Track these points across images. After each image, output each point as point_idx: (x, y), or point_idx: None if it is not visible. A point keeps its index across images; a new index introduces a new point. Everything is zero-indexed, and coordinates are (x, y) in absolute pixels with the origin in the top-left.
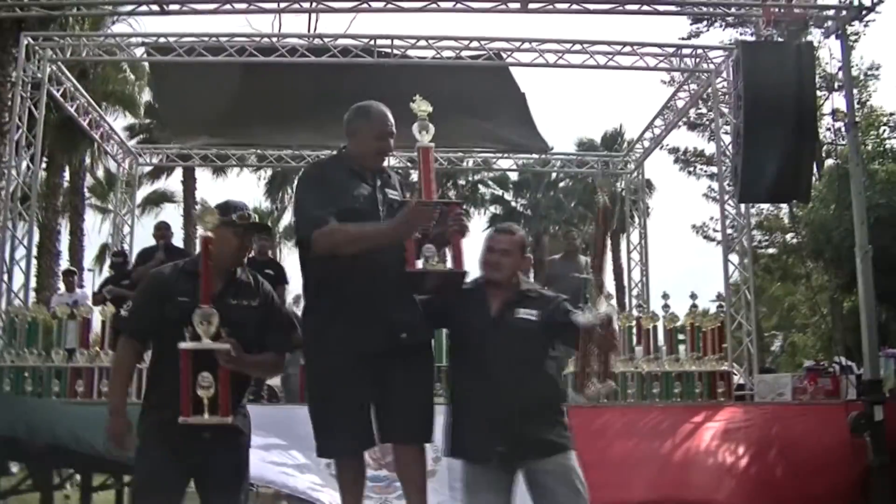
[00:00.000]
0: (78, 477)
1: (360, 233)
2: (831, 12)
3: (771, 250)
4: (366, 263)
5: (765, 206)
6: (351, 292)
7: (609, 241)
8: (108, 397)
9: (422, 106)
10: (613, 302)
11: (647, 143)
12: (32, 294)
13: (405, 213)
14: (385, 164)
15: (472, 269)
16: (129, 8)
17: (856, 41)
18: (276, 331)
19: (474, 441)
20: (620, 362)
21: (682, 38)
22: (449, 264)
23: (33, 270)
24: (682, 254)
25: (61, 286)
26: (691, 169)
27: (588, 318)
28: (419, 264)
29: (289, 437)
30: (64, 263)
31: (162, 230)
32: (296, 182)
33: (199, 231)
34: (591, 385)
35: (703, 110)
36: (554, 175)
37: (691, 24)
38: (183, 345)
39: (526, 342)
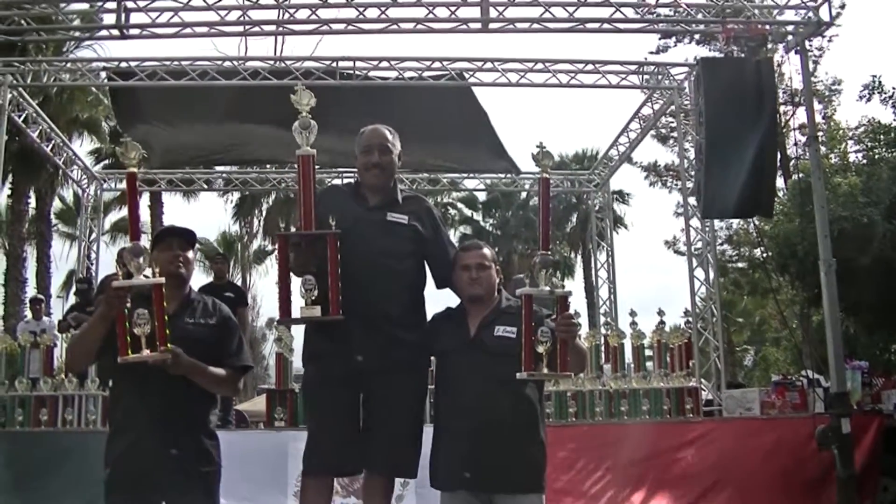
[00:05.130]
0: None
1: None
2: (790, 28)
3: (741, 265)
4: (346, 286)
5: (734, 220)
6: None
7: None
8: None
9: (304, 99)
10: (566, 289)
11: (615, 160)
12: None
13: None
14: (388, 182)
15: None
16: (89, 33)
17: (820, 56)
18: (232, 350)
19: (447, 467)
20: (587, 380)
21: (651, 53)
22: None
23: None
24: (657, 268)
25: (28, 314)
26: (662, 182)
27: (530, 290)
28: (297, 307)
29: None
30: (31, 290)
31: None
32: None
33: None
34: (538, 368)
35: (674, 123)
36: (524, 194)
37: (659, 39)
38: (115, 283)
39: (503, 361)
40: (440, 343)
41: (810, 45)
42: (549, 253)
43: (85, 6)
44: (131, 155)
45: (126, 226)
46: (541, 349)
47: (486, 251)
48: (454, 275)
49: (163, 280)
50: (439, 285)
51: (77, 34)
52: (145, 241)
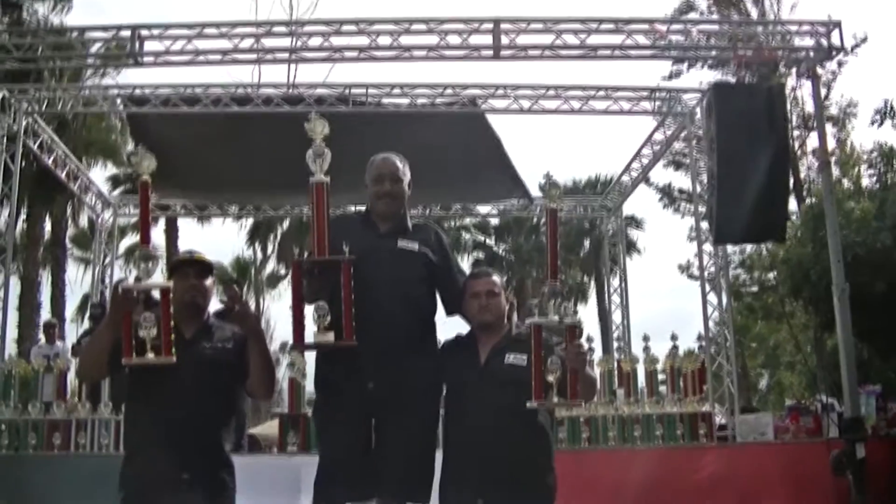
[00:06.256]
0: None
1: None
2: (801, 54)
3: (754, 289)
4: (358, 313)
5: (747, 245)
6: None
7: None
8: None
9: (317, 127)
10: (576, 316)
11: (627, 186)
12: (13, 346)
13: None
14: (399, 210)
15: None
16: (103, 60)
17: (833, 80)
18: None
19: (457, 494)
20: (601, 405)
21: (663, 78)
22: None
23: (14, 322)
24: (671, 293)
25: (42, 338)
26: (675, 208)
27: (539, 320)
28: (309, 332)
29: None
30: (45, 315)
31: None
32: None
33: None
34: (548, 397)
35: (687, 149)
36: (536, 219)
37: (672, 64)
38: (123, 285)
39: (514, 389)
40: (451, 370)
41: (823, 69)
42: (558, 282)
43: (100, 34)
44: (144, 165)
45: None
46: (551, 378)
47: (496, 278)
48: (464, 302)
49: (170, 284)
50: (449, 312)
51: (92, 62)
52: (161, 264)
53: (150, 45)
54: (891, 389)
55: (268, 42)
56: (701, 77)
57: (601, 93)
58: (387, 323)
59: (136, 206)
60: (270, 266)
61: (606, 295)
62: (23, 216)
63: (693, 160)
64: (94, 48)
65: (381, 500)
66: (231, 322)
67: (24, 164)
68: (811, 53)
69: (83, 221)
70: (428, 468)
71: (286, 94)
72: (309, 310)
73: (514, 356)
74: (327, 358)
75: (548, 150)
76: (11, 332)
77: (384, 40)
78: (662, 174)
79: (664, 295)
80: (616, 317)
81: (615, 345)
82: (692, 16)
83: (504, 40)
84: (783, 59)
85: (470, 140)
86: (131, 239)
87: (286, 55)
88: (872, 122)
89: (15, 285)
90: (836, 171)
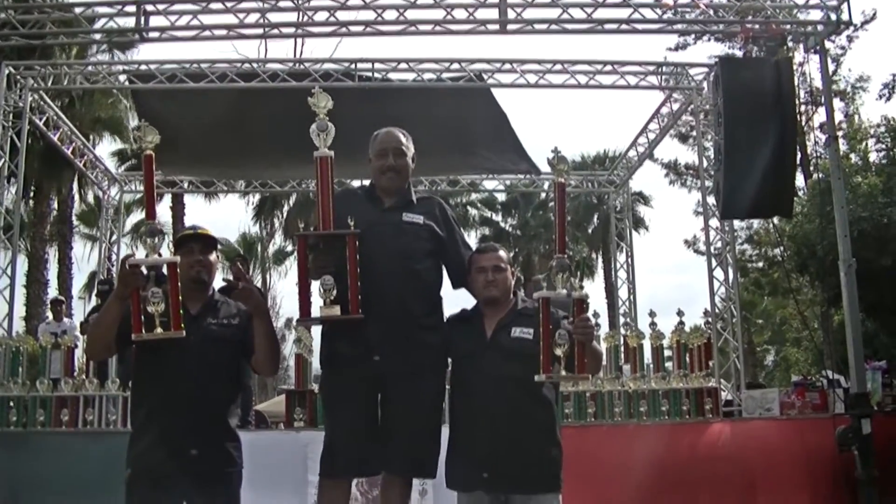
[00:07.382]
0: None
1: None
2: (809, 28)
3: (760, 264)
4: (364, 287)
5: (754, 220)
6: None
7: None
8: (104, 311)
9: (321, 101)
10: (583, 291)
11: (634, 161)
12: (21, 323)
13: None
14: (403, 185)
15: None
16: (108, 36)
17: (842, 55)
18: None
19: (463, 468)
20: (607, 381)
21: (670, 49)
22: None
23: (21, 299)
24: (677, 268)
25: (49, 315)
26: (682, 182)
27: (547, 293)
28: (315, 307)
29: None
30: (52, 292)
31: None
32: None
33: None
34: (555, 371)
35: (694, 122)
36: (543, 195)
37: (679, 36)
38: (130, 260)
39: (520, 363)
40: (457, 345)
41: (832, 44)
42: (566, 256)
43: (106, 9)
44: (148, 138)
45: None
46: (558, 352)
47: (502, 253)
48: (470, 277)
49: (177, 259)
50: (455, 286)
51: (96, 37)
52: (168, 239)
53: (155, 21)
54: None
55: (273, 17)
56: (708, 49)
57: (608, 67)
58: (392, 296)
59: (142, 182)
60: (277, 242)
61: (613, 270)
62: (30, 193)
63: (700, 134)
64: (100, 24)
65: (387, 474)
66: (235, 299)
67: (30, 140)
68: (819, 27)
69: (90, 198)
70: (434, 442)
71: (292, 69)
72: (315, 284)
73: (520, 330)
74: (333, 332)
75: (555, 126)
76: (19, 310)
77: (390, 15)
78: (668, 150)
79: (671, 270)
80: (623, 292)
81: (622, 320)
82: None
83: (510, 14)
84: (791, 33)
85: (476, 115)
86: (138, 215)
87: (292, 30)
88: (880, 97)
89: (22, 262)
90: (843, 146)
